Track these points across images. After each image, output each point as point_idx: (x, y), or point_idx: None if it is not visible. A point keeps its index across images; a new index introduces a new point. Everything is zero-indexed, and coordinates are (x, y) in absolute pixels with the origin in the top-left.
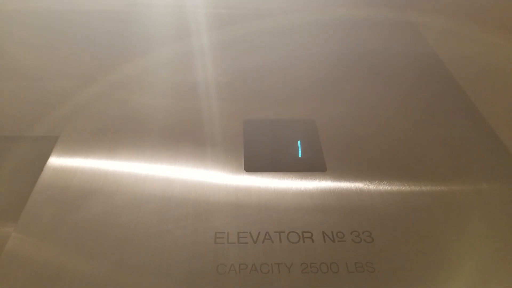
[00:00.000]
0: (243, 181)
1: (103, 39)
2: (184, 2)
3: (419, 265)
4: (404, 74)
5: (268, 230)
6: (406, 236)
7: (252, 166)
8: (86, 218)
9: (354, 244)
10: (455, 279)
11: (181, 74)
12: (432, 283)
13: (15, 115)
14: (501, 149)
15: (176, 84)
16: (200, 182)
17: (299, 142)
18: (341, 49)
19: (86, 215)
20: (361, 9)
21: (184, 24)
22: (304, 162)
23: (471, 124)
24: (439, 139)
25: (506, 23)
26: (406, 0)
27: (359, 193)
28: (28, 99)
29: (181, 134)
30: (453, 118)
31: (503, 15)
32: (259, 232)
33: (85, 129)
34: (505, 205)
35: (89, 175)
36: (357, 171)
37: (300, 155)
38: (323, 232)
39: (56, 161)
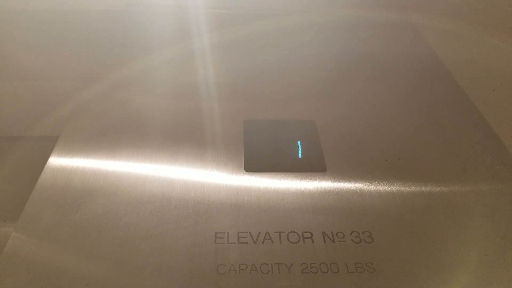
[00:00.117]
0: (243, 181)
1: (104, 39)
2: (184, 2)
3: (419, 266)
4: (404, 75)
5: (268, 230)
6: (406, 236)
7: (252, 166)
8: (86, 218)
9: (354, 245)
10: (455, 280)
11: (181, 75)
12: (432, 283)
13: (16, 115)
14: (501, 149)
15: (177, 84)
16: (200, 182)
17: (299, 142)
18: (342, 50)
19: (86, 215)
20: (362, 10)
21: (185, 24)
22: (304, 163)
23: (471, 125)
24: (439, 140)
25: (506, 24)
26: (407, 1)
27: (359, 193)
28: (29, 99)
29: (181, 134)
30: (453, 118)
31: (503, 17)
32: (259, 232)
33: (85, 129)
34: (505, 206)
35: (89, 175)
36: (357, 171)
37: (300, 156)
38: (323, 233)
39: (56, 161)
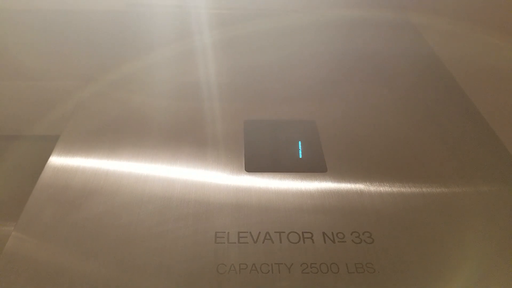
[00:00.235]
0: (244, 181)
1: (104, 39)
2: (184, 2)
3: (419, 266)
4: (404, 75)
5: (268, 230)
6: (406, 237)
7: (253, 166)
8: (86, 218)
9: (355, 245)
10: (455, 280)
11: (182, 74)
12: (432, 284)
13: (16, 114)
14: (502, 151)
15: (177, 84)
16: (201, 182)
17: (299, 142)
18: (342, 50)
19: (87, 214)
20: (362, 9)
21: (185, 24)
22: (304, 163)
23: (472, 126)
24: (439, 140)
25: (506, 23)
26: (407, 0)
27: (359, 194)
28: (29, 98)
29: (182, 134)
30: (454, 119)
31: (503, 16)
32: (260, 232)
33: (86, 128)
34: (505, 207)
35: (89, 174)
36: (358, 172)
37: (300, 156)
38: (324, 233)
39: (56, 160)
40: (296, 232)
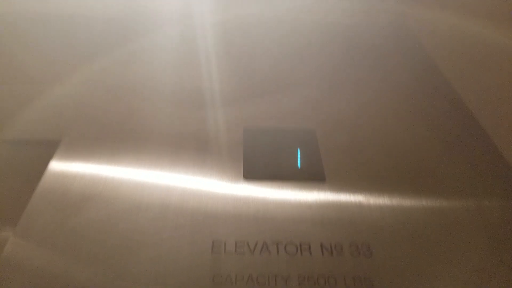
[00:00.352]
0: (242, 189)
1: (106, 44)
2: (187, 9)
3: (417, 280)
4: (407, 86)
5: (265, 240)
6: (405, 250)
7: (251, 173)
8: (84, 224)
9: (353, 258)
10: None
11: (182, 81)
12: None
13: (17, 119)
14: (503, 164)
15: (178, 91)
16: (199, 189)
17: (298, 151)
18: (343, 59)
19: (85, 220)
20: (361, 16)
21: (187, 31)
22: (303, 171)
23: (473, 139)
24: (440, 153)
25: (502, 21)
26: (407, 7)
27: (358, 205)
28: (30, 103)
29: (181, 141)
30: (455, 132)
31: (504, 18)
32: (257, 242)
33: (87, 134)
34: (505, 221)
35: (89, 180)
36: (357, 182)
37: (299, 164)
38: (321, 244)
39: (57, 165)
40: (293, 243)
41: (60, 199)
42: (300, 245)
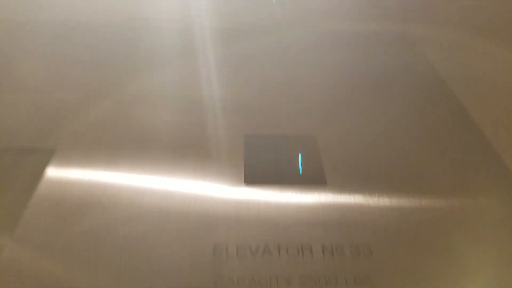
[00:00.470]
0: (243, 194)
1: (105, 52)
2: (187, 17)
3: (418, 280)
4: (405, 89)
5: (267, 243)
6: (405, 250)
7: (252, 179)
8: (83, 231)
9: (353, 258)
10: None
11: (182, 88)
12: None
13: (13, 126)
14: (500, 165)
15: (178, 97)
16: (200, 195)
17: (299, 156)
18: (344, 65)
19: (83, 227)
20: (363, 24)
21: (187, 38)
22: (304, 177)
23: (471, 141)
24: (439, 155)
25: (506, 35)
26: (407, 14)
27: (358, 207)
28: (28, 111)
29: (181, 147)
30: (453, 134)
31: (503, 27)
32: (258, 246)
33: (84, 141)
34: (504, 221)
35: (87, 187)
36: (357, 186)
37: (300, 170)
38: (322, 245)
39: (53, 173)
40: (295, 245)
41: (58, 206)
42: (302, 247)
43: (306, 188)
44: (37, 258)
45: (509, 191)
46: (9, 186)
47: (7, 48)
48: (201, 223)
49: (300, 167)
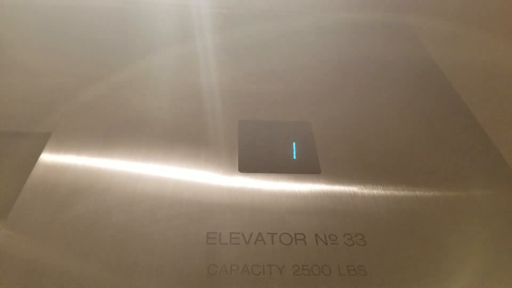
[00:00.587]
0: (237, 181)
1: (101, 36)
2: (184, 1)
3: (411, 269)
4: (401, 78)
5: (260, 231)
6: (398, 240)
7: (246, 166)
8: (77, 216)
9: (347, 247)
10: (447, 283)
11: (177, 74)
12: (424, 287)
13: (8, 111)
14: (496, 156)
15: (172, 84)
16: (193, 182)
17: (294, 143)
18: (339, 53)
19: (77, 212)
20: (359, 12)
21: (183, 24)
22: (298, 164)
23: (466, 130)
24: (434, 144)
25: (505, 28)
26: (405, 4)
27: (352, 196)
28: (22, 95)
29: (176, 134)
30: (448, 123)
31: (502, 20)
32: (252, 233)
33: (78, 126)
34: (498, 211)
35: (81, 172)
36: (352, 174)
37: (294, 157)
38: (316, 235)
39: (48, 157)
40: (288, 234)
41: (52, 191)
42: (295, 236)
43: (300, 177)
44: (30, 243)
45: (504, 182)
46: (2, 171)
47: (1, 31)
48: (194, 210)
49: (295, 155)
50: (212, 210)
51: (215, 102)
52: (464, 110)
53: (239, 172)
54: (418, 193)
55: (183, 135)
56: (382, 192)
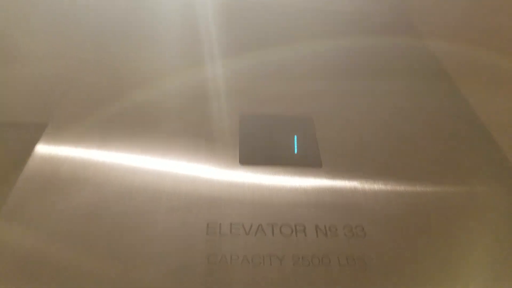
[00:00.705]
0: (237, 174)
1: (97, 24)
2: None
3: (411, 261)
4: (402, 73)
5: (261, 222)
6: (398, 232)
7: (247, 159)
8: (73, 207)
9: (347, 238)
10: (445, 275)
11: (178, 67)
12: (424, 278)
13: (4, 100)
14: (496, 151)
15: (172, 76)
16: (193, 175)
17: (295, 137)
18: (341, 47)
19: (74, 203)
20: (362, 5)
21: (184, 16)
22: (299, 158)
23: (467, 126)
24: (435, 140)
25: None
26: None
27: (353, 189)
28: (18, 84)
29: (176, 127)
30: (449, 119)
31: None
32: (252, 224)
33: (76, 116)
34: (498, 207)
35: (78, 164)
36: (353, 168)
37: (296, 151)
38: (316, 226)
39: (44, 148)
40: (288, 225)
41: (48, 182)
42: (295, 227)
43: (301, 170)
44: (26, 234)
45: (505, 177)
46: None
47: (0, 21)
48: (194, 201)
49: (296, 149)
50: (212, 201)
51: (216, 96)
52: (465, 106)
53: (240, 164)
54: (418, 188)
55: (183, 127)
56: (383, 186)
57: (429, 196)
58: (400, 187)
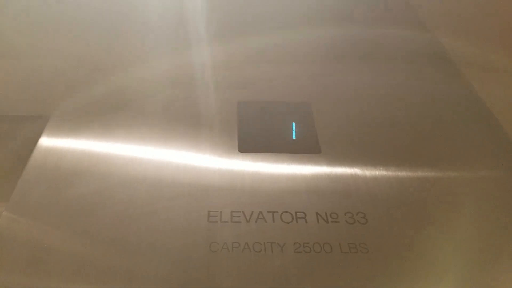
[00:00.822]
0: (237, 161)
1: (97, 18)
2: None
3: (412, 247)
4: (403, 58)
5: (261, 210)
6: (400, 218)
7: (246, 146)
8: (78, 198)
9: (348, 225)
10: (447, 262)
11: (176, 55)
12: (425, 264)
13: (7, 94)
14: (501, 136)
15: (171, 65)
16: (193, 163)
17: (293, 124)
18: (339, 32)
19: (78, 194)
20: None
21: (181, 5)
22: (298, 144)
23: (471, 111)
24: (436, 125)
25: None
26: None
27: (353, 175)
28: (20, 78)
29: (175, 115)
30: (452, 103)
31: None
32: (252, 212)
33: (78, 109)
34: (501, 192)
35: (81, 155)
36: (352, 154)
37: (294, 137)
38: (317, 213)
39: (47, 140)
40: (289, 212)
41: (52, 173)
42: (296, 214)
43: (300, 157)
44: (32, 225)
45: (509, 162)
46: (3, 154)
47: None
48: (195, 190)
49: (294, 135)
50: (212, 189)
51: (214, 83)
52: (470, 90)
53: (238, 152)
54: (420, 173)
55: (182, 116)
56: (384, 172)
57: (430, 181)
58: (401, 173)
